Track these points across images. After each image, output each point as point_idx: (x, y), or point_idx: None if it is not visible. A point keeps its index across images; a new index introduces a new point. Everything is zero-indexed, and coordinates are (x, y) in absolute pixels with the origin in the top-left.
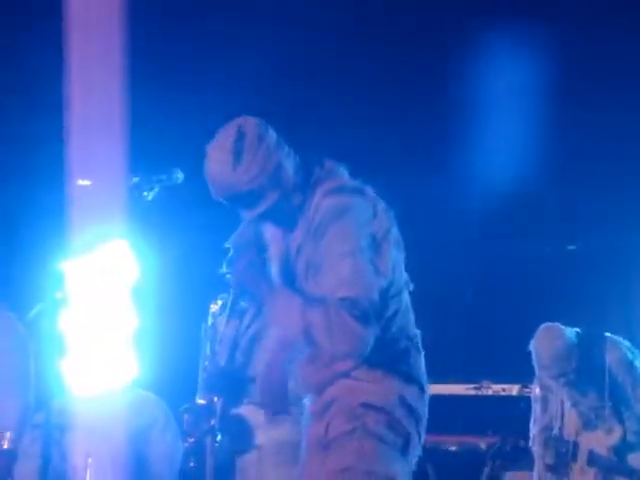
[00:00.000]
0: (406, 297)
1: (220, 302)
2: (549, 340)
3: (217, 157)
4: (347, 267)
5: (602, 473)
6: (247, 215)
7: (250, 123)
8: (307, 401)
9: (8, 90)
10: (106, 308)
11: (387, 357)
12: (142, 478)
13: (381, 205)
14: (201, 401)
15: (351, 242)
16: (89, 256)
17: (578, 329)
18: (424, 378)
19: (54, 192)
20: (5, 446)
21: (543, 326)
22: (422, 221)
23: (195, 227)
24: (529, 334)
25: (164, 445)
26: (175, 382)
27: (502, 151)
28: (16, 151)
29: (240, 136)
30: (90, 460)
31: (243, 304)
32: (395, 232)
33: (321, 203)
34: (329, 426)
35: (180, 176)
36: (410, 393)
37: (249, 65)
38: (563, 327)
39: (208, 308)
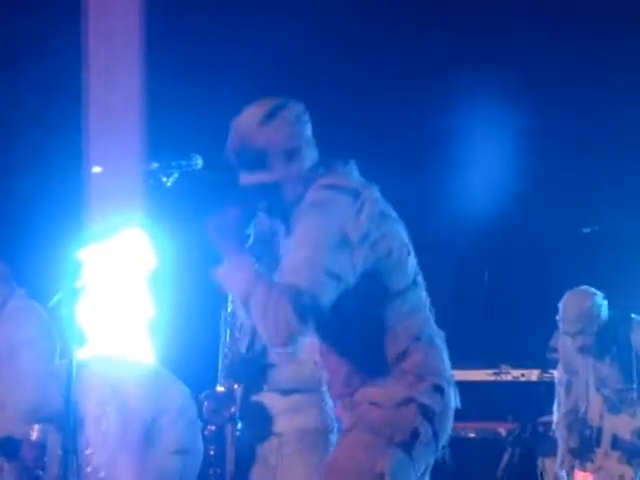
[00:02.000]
0: (413, 297)
1: None
2: (579, 298)
3: (251, 110)
4: (302, 255)
5: (626, 457)
6: (245, 179)
7: (296, 103)
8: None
9: (26, 77)
10: (123, 296)
11: (394, 358)
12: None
13: (375, 209)
14: (221, 388)
15: (315, 233)
16: (106, 244)
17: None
18: (439, 375)
19: (71, 180)
20: (34, 438)
21: (577, 288)
22: (438, 205)
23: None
24: (549, 318)
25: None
26: (195, 370)
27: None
28: (33, 138)
29: (282, 105)
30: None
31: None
32: (390, 239)
33: (307, 197)
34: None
35: (199, 162)
36: (421, 391)
37: (270, 50)
38: (596, 292)
39: (227, 295)
